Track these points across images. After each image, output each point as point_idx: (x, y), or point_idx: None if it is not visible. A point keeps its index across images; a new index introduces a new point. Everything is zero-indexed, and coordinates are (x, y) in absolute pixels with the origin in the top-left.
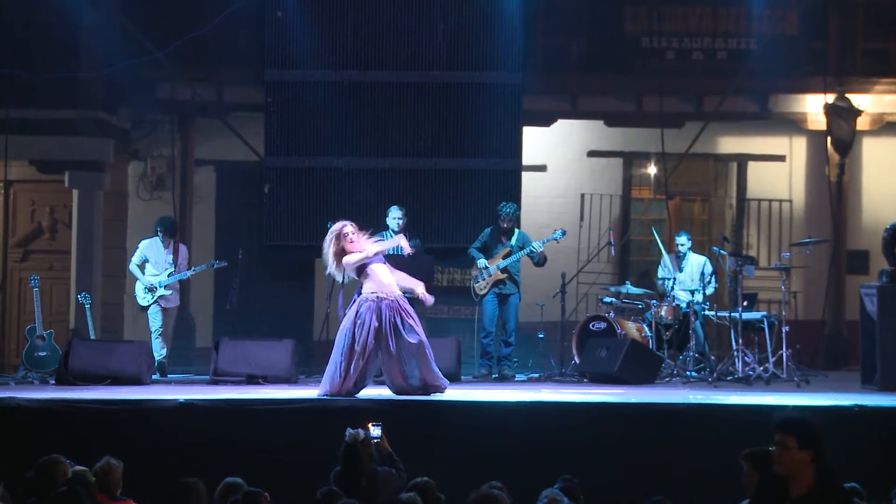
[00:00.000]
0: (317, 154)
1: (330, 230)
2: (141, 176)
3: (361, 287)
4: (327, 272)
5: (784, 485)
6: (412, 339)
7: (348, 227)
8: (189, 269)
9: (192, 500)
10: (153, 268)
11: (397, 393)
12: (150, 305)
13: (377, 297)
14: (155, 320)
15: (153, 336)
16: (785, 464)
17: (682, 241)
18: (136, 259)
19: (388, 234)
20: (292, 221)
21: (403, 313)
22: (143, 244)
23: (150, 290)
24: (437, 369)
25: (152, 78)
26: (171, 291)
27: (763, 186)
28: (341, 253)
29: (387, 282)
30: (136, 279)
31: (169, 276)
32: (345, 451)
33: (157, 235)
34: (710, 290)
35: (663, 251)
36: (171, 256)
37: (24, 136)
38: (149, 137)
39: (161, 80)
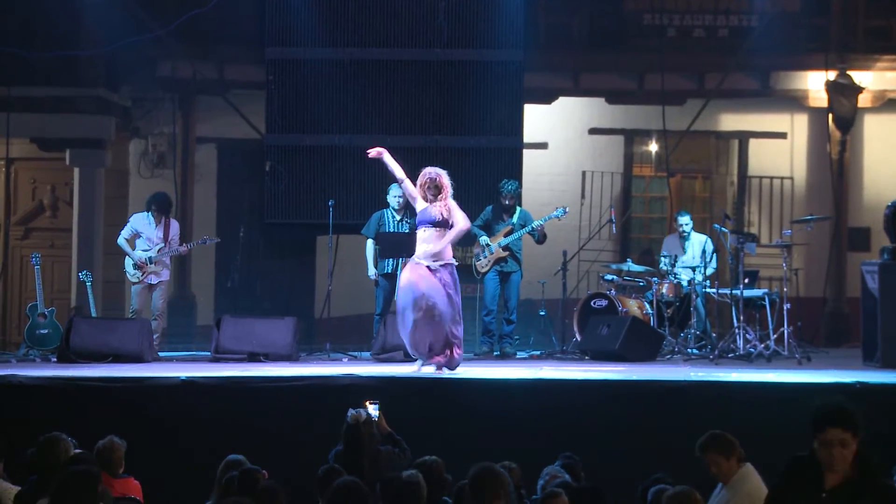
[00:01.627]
0: (318, 132)
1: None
2: (142, 154)
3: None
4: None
5: (817, 473)
6: None
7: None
8: (181, 244)
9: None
10: (144, 243)
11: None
12: (138, 283)
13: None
14: (133, 302)
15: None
16: (846, 460)
17: (686, 220)
18: (125, 233)
19: (389, 213)
20: (293, 199)
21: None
22: (134, 218)
23: (139, 267)
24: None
25: (153, 56)
26: (161, 267)
27: (764, 163)
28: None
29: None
30: (126, 254)
31: (159, 251)
32: (347, 432)
33: (150, 211)
34: (710, 270)
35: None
36: (162, 232)
37: (25, 113)
38: (150, 115)
39: (162, 57)
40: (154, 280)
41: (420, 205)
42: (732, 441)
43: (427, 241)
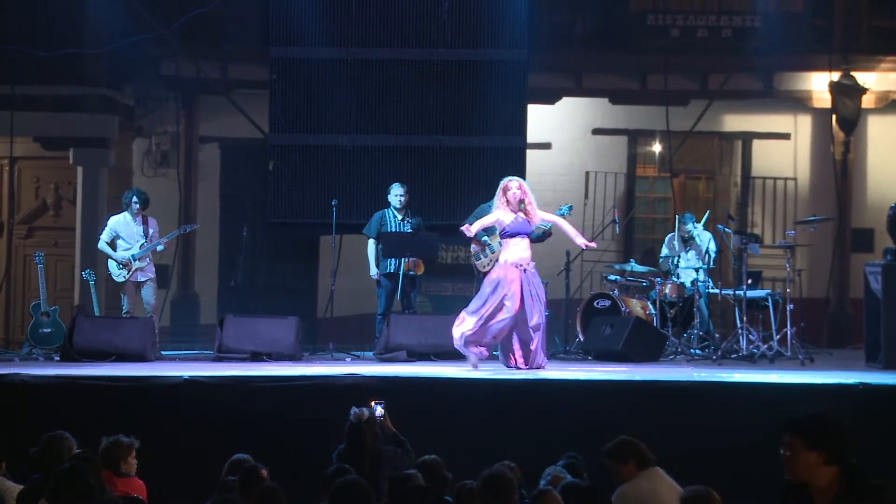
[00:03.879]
0: (321, 131)
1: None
2: (145, 153)
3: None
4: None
5: (807, 495)
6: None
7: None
8: (160, 238)
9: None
10: (125, 243)
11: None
12: (125, 282)
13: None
14: (123, 303)
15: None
16: (793, 469)
17: (689, 227)
18: (105, 237)
19: (391, 212)
20: (297, 198)
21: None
22: (113, 221)
23: (125, 265)
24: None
25: (157, 55)
26: (146, 263)
27: (768, 164)
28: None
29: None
30: (109, 257)
31: (140, 247)
32: (349, 431)
33: (133, 208)
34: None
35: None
36: (142, 229)
37: (28, 112)
38: (153, 114)
39: (166, 56)
40: (141, 277)
41: (506, 217)
42: (629, 449)
43: (525, 249)
